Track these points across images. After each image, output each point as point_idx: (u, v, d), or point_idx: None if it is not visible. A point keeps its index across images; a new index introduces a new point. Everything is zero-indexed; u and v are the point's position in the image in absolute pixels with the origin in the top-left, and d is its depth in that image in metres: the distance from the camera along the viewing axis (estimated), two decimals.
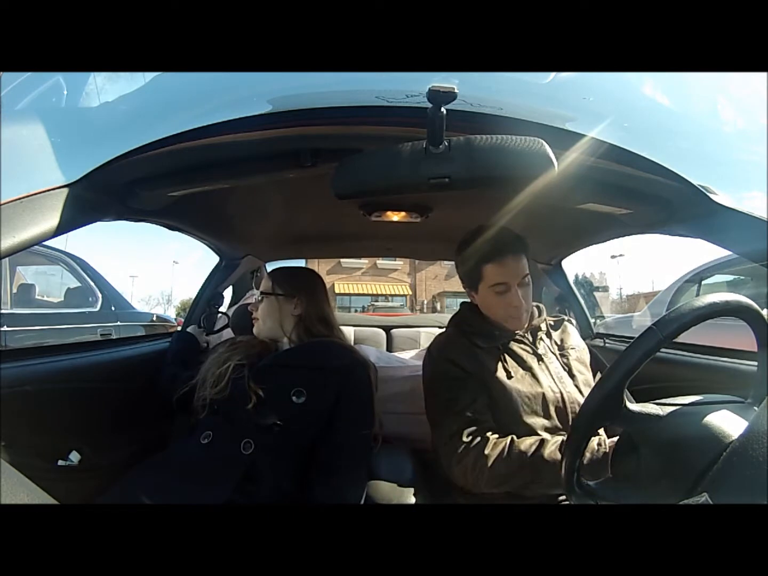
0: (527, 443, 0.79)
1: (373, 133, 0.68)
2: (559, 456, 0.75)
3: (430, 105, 0.52)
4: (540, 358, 0.92)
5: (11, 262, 3.03)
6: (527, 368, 0.90)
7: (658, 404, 0.53)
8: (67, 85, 0.69)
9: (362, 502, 0.84)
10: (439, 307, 17.36)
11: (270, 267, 1.59)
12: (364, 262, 17.87)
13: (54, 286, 3.84)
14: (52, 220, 0.59)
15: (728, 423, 0.48)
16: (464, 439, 0.82)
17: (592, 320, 1.55)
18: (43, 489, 0.37)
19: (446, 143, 0.56)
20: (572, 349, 0.98)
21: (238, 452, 0.80)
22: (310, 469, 0.84)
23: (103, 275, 3.76)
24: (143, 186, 0.77)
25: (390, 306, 15.88)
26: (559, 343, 0.98)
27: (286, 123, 0.67)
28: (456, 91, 0.50)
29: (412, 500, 0.88)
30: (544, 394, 0.86)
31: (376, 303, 15.49)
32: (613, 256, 18.98)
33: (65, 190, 0.64)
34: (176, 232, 1.16)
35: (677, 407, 0.53)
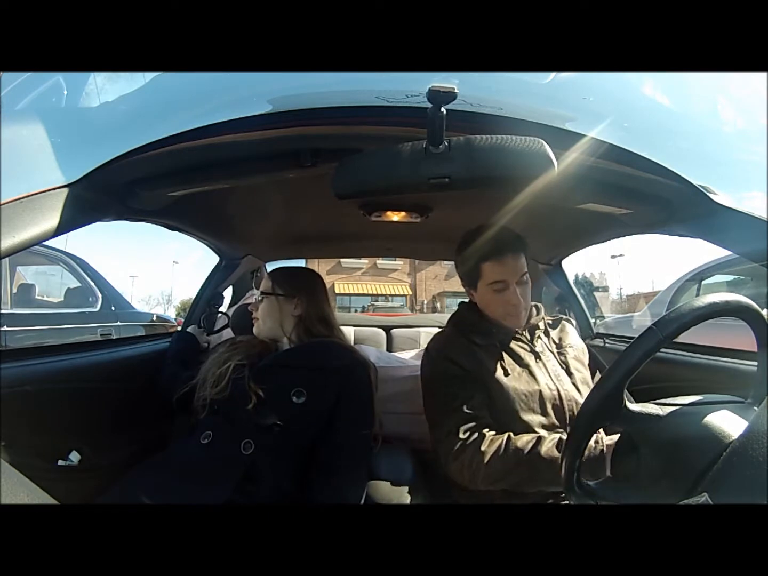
0: (524, 440, 0.79)
1: (373, 133, 0.68)
2: (556, 453, 0.76)
3: (430, 105, 0.52)
4: (537, 356, 0.93)
5: (11, 262, 3.03)
6: (524, 366, 0.90)
7: (658, 404, 0.54)
8: (67, 85, 0.69)
9: (362, 502, 0.84)
10: (439, 307, 17.35)
11: (270, 267, 1.59)
12: (364, 262, 17.87)
13: (54, 286, 3.84)
14: (52, 220, 0.59)
15: (728, 423, 0.48)
16: (461, 436, 0.82)
17: (592, 320, 1.55)
18: (43, 489, 0.37)
19: (446, 143, 0.56)
20: (570, 347, 0.98)
21: (238, 452, 0.80)
22: (310, 469, 0.84)
23: (103, 275, 3.76)
24: (143, 186, 0.77)
25: (390, 306, 15.89)
26: (557, 341, 0.99)
27: (286, 123, 0.67)
28: (456, 91, 0.50)
29: (412, 500, 0.88)
30: (540, 392, 0.86)
31: (376, 303, 15.49)
32: (613, 256, 19.02)
33: (65, 190, 0.64)
34: (176, 232, 1.16)
35: (677, 407, 0.53)
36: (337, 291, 17.21)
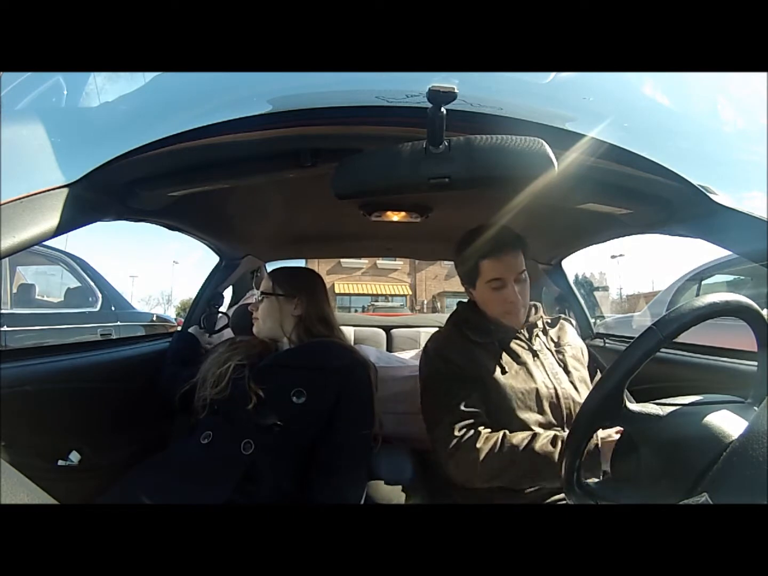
0: (519, 437, 0.80)
1: (373, 133, 0.68)
2: (550, 449, 0.76)
3: (430, 105, 0.52)
4: (535, 354, 0.93)
5: (11, 262, 3.03)
6: (521, 364, 0.90)
7: (658, 404, 0.54)
8: (67, 85, 0.69)
9: (362, 502, 0.84)
10: (439, 307, 17.34)
11: (270, 267, 1.59)
12: (364, 262, 17.87)
13: (54, 286, 3.84)
14: (52, 220, 0.59)
15: (728, 423, 0.48)
16: (456, 433, 0.82)
17: (592, 320, 1.55)
18: (43, 489, 0.37)
19: (446, 143, 0.56)
20: (568, 346, 0.98)
21: (238, 452, 0.80)
22: (310, 469, 0.84)
23: (103, 275, 3.76)
24: (143, 186, 0.77)
25: (390, 306, 15.90)
26: (555, 340, 0.99)
27: (286, 123, 0.67)
28: (456, 91, 0.50)
29: (412, 500, 0.88)
30: (537, 390, 0.87)
31: (376, 303, 15.50)
32: (613, 256, 19.01)
33: (65, 190, 0.64)
34: (176, 232, 1.16)
35: (677, 407, 0.53)
36: (337, 291, 17.21)
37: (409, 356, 1.49)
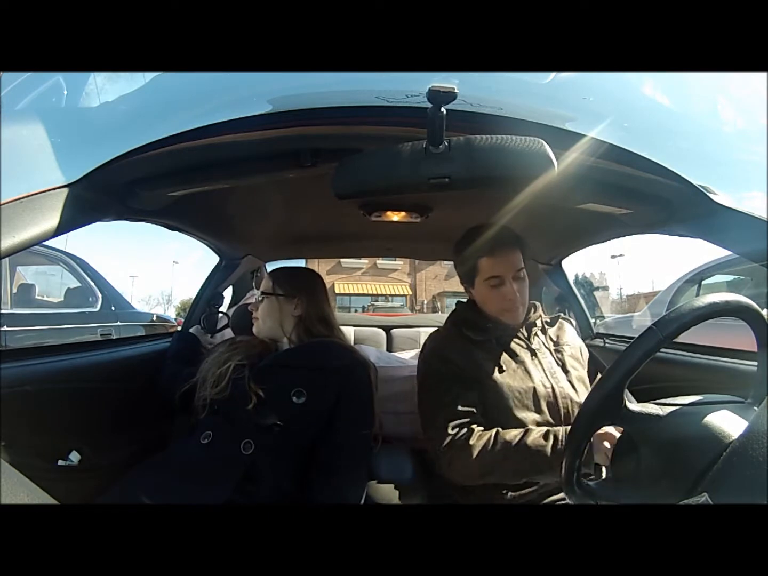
0: (512, 434, 0.80)
1: (373, 133, 0.68)
2: (542, 442, 0.77)
3: (430, 105, 0.52)
4: (533, 353, 0.93)
5: (11, 262, 3.03)
6: (520, 362, 0.91)
7: (658, 404, 0.54)
8: (67, 85, 0.69)
9: (362, 502, 0.84)
10: (439, 307, 17.34)
11: (270, 267, 1.59)
12: (364, 262, 17.86)
13: (54, 286, 3.84)
14: (52, 220, 0.59)
15: (728, 423, 0.48)
16: (450, 432, 0.83)
17: (592, 320, 1.55)
18: (43, 489, 0.37)
19: (446, 143, 0.56)
20: (567, 345, 0.99)
21: (238, 452, 0.80)
22: (310, 469, 0.84)
23: (103, 275, 3.76)
24: (143, 186, 0.77)
25: (390, 306, 15.90)
26: (554, 339, 0.99)
27: (286, 123, 0.67)
28: (456, 91, 0.50)
29: (412, 500, 0.88)
30: (535, 389, 0.87)
31: (376, 303, 15.50)
32: (613, 256, 19.02)
33: (65, 190, 0.64)
34: (176, 232, 1.16)
35: (677, 407, 0.53)
36: (337, 291, 17.21)
37: (409, 356, 1.49)
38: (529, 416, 0.85)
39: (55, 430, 0.89)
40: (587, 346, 1.09)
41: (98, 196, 0.71)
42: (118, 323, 3.57)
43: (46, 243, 0.66)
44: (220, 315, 1.39)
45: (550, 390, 0.87)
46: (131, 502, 0.73)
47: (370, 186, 0.61)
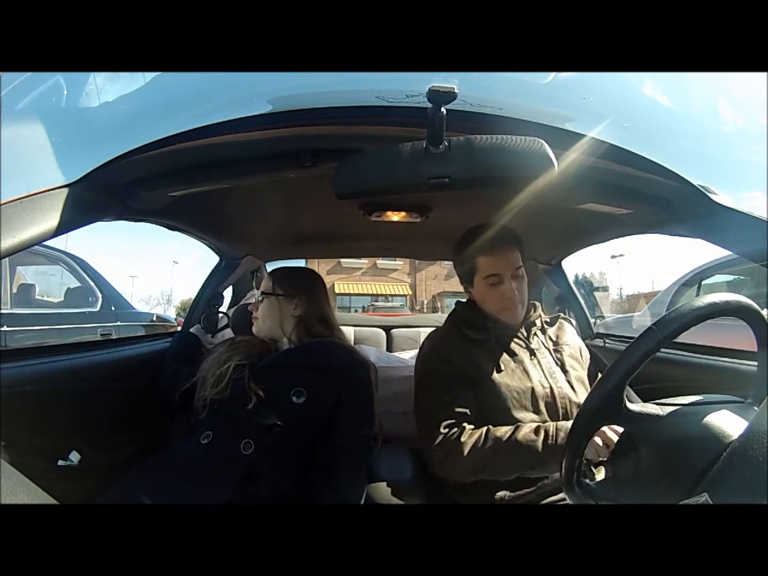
0: (503, 430, 0.80)
1: (373, 133, 0.68)
2: (533, 437, 0.77)
3: (430, 105, 0.52)
4: (532, 353, 0.93)
5: (11, 262, 3.03)
6: (518, 362, 0.91)
7: (658, 404, 0.54)
8: (67, 85, 0.69)
9: (362, 502, 0.84)
10: (439, 307, 17.33)
11: (270, 267, 1.59)
12: (364, 262, 17.86)
13: (54, 286, 3.84)
14: (52, 220, 0.59)
15: (728, 423, 0.48)
16: (442, 430, 0.84)
17: (592, 320, 1.55)
18: (43, 489, 0.37)
19: (446, 143, 0.56)
20: (566, 345, 0.99)
21: (238, 452, 0.80)
22: (310, 469, 0.84)
23: (103, 275, 3.76)
24: (143, 186, 0.77)
25: (390, 306, 15.90)
26: (553, 338, 0.99)
27: (286, 123, 0.67)
28: (456, 91, 0.50)
29: (412, 500, 0.88)
30: (533, 389, 0.87)
31: (376, 303, 15.50)
32: (613, 256, 19.03)
33: (65, 190, 0.64)
34: (176, 232, 1.16)
35: (677, 407, 0.53)
36: (337, 291, 17.20)
37: (409, 356, 1.49)
38: (527, 416, 0.85)
39: (55, 430, 0.89)
40: (587, 346, 1.09)
41: (98, 196, 0.71)
42: (118, 323, 3.57)
43: (46, 243, 0.66)
44: (220, 315, 1.39)
45: (548, 390, 0.87)
46: (131, 502, 0.73)
47: (370, 186, 0.61)
